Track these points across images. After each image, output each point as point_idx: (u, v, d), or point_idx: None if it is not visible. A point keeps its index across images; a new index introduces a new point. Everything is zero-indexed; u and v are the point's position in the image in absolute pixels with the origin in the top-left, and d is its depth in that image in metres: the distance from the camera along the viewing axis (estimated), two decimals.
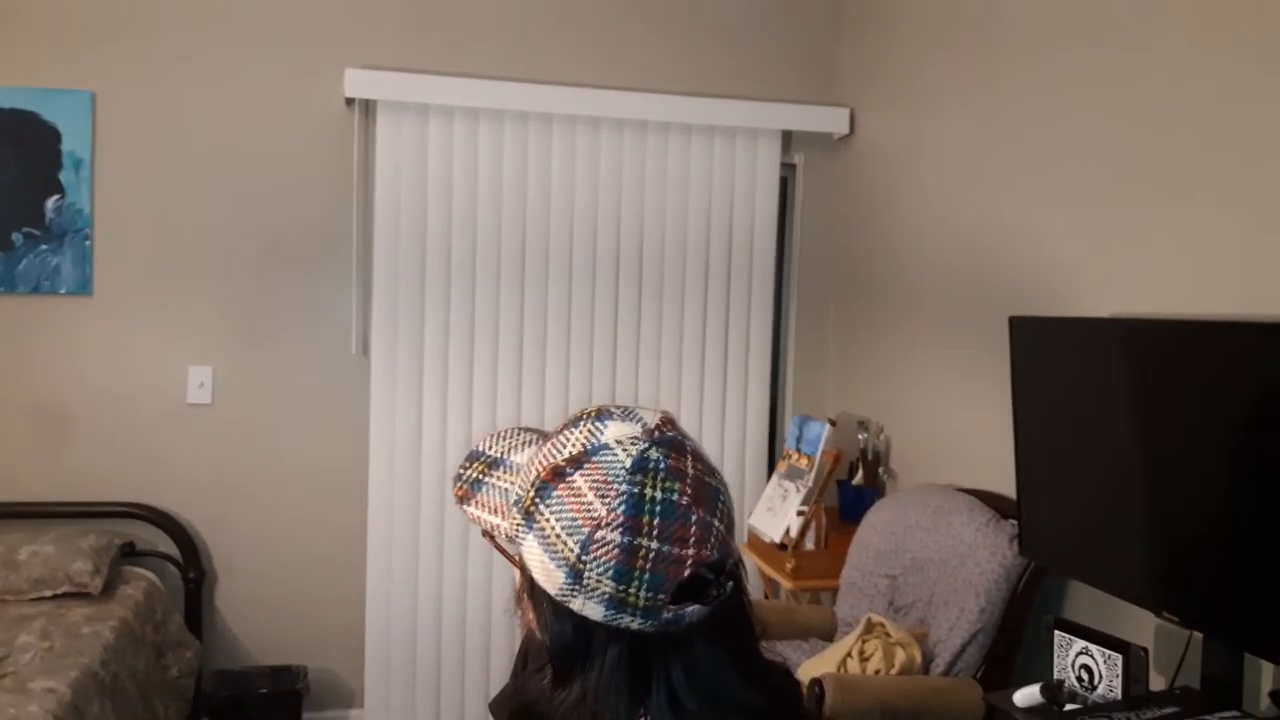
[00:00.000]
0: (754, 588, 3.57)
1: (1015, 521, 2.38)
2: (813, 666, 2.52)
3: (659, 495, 0.85)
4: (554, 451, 0.90)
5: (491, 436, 1.02)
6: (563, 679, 0.90)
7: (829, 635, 2.83)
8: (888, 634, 2.44)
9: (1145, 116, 2.21)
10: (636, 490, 0.85)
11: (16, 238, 3.01)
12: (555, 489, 0.87)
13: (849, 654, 2.45)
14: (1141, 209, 2.23)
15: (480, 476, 0.97)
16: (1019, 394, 2.25)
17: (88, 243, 3.07)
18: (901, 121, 3.27)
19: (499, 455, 0.98)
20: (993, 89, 2.78)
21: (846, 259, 3.61)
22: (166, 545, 3.17)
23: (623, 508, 0.84)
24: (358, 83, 3.16)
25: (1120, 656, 1.93)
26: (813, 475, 3.12)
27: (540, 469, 0.89)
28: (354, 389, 3.29)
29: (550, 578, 0.87)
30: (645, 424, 0.90)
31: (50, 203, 3.03)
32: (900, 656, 2.40)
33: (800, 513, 3.10)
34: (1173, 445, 1.84)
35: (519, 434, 1.02)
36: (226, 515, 3.25)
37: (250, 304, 3.23)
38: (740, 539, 3.54)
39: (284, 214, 3.24)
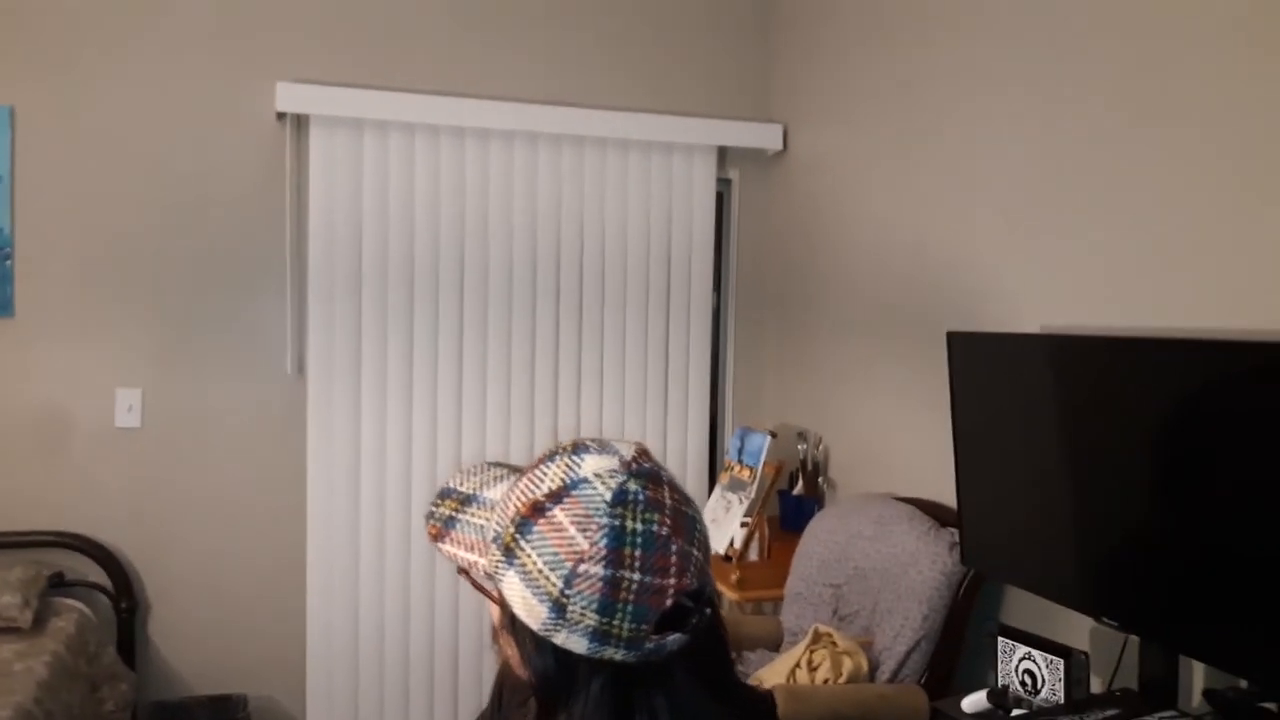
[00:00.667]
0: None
1: (954, 530, 2.45)
2: (762, 678, 2.55)
3: (639, 527, 0.87)
4: (532, 487, 0.90)
5: (462, 473, 1.02)
6: (547, 713, 0.92)
7: (775, 645, 2.87)
8: (835, 643, 2.48)
9: (1071, 132, 2.31)
10: (617, 523, 0.86)
11: None
12: (535, 524, 0.88)
13: (798, 664, 2.49)
14: (1067, 224, 2.32)
15: (453, 514, 0.98)
16: (957, 406, 2.32)
17: (8, 262, 2.96)
18: (833, 137, 3.35)
19: (471, 491, 0.99)
20: (921, 104, 2.86)
21: (783, 272, 3.67)
22: (97, 574, 3.06)
23: (604, 541, 0.86)
24: (289, 97, 3.10)
25: (1062, 661, 2.01)
26: (755, 487, 3.16)
27: (519, 505, 0.90)
28: (290, 409, 3.22)
29: (532, 613, 0.88)
30: (622, 456, 0.92)
31: None
32: (848, 665, 2.44)
33: (744, 524, 3.13)
34: (1102, 454, 1.92)
35: (489, 469, 1.03)
36: (159, 542, 3.15)
37: (180, 323, 3.15)
38: None
39: (214, 230, 3.16)
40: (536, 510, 0.88)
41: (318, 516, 3.20)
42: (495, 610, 0.96)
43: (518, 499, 0.91)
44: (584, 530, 0.86)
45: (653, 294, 3.55)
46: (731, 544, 3.14)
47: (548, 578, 0.86)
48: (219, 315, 3.18)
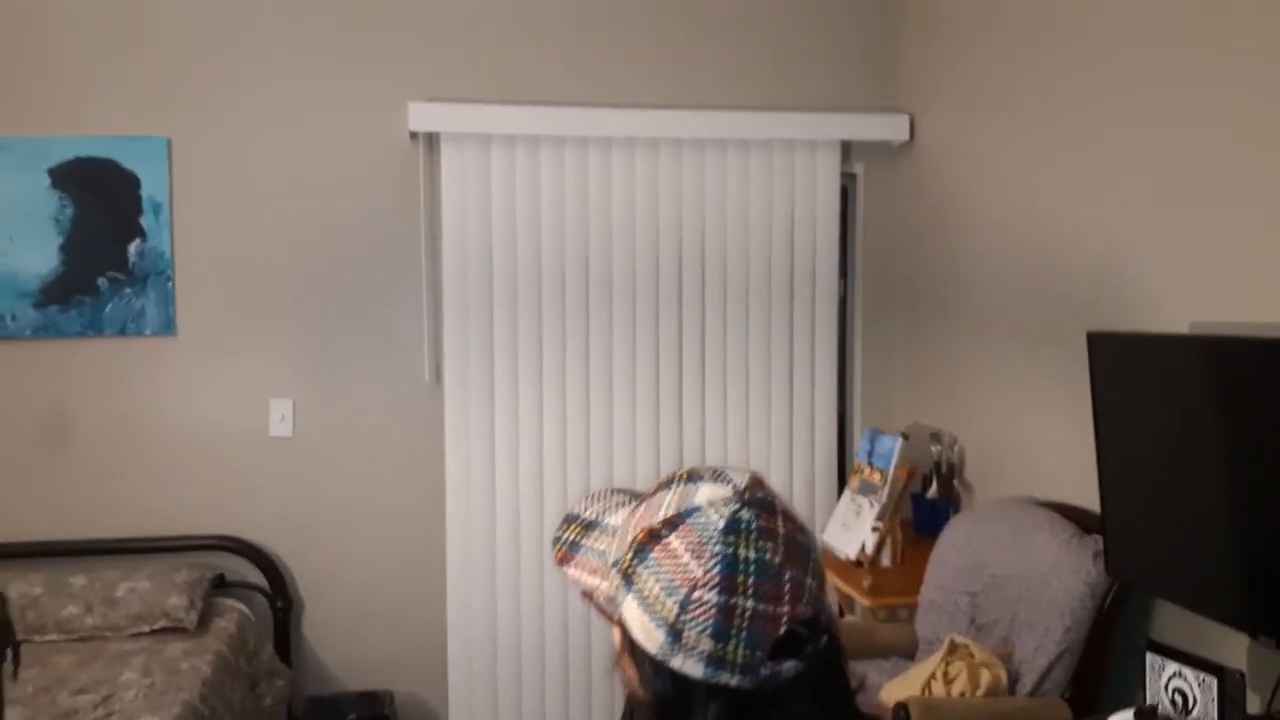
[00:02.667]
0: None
1: (1099, 538, 2.34)
2: (896, 689, 2.50)
3: (752, 555, 0.88)
4: (649, 515, 0.93)
5: (587, 498, 1.05)
6: None
7: (910, 654, 2.81)
8: (972, 655, 2.41)
9: (1225, 116, 2.16)
10: (730, 551, 0.87)
11: (102, 282, 3.12)
12: (652, 551, 0.90)
13: (933, 675, 2.43)
14: (1216, 216, 2.18)
15: (577, 539, 1.00)
16: (1100, 410, 2.21)
17: (169, 284, 3.18)
18: (963, 126, 3.23)
19: (594, 518, 1.01)
20: (1058, 90, 2.73)
21: (911, 268, 3.58)
22: (255, 576, 3.26)
23: (718, 568, 0.87)
24: (421, 116, 3.22)
25: (1215, 680, 1.89)
26: (886, 490, 3.10)
27: (637, 532, 0.92)
28: (429, 415, 3.35)
29: (650, 637, 0.89)
30: (736, 485, 0.93)
31: (133, 247, 3.13)
32: (986, 678, 2.37)
33: (875, 528, 3.08)
34: (1259, 461, 1.80)
35: (612, 495, 1.05)
36: (311, 544, 3.33)
37: (326, 336, 3.31)
38: None
39: (355, 247, 3.31)
40: (653, 537, 0.90)
41: (456, 517, 3.32)
42: (617, 633, 0.98)
43: (636, 526, 0.93)
44: (698, 557, 0.88)
45: (776, 294, 3.51)
46: (863, 549, 3.08)
47: (664, 603, 0.88)
48: (361, 327, 3.33)
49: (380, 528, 3.36)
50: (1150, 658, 2.03)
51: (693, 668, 0.88)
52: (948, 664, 2.43)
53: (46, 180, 3.06)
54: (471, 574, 3.33)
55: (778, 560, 0.88)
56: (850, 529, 3.21)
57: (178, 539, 3.18)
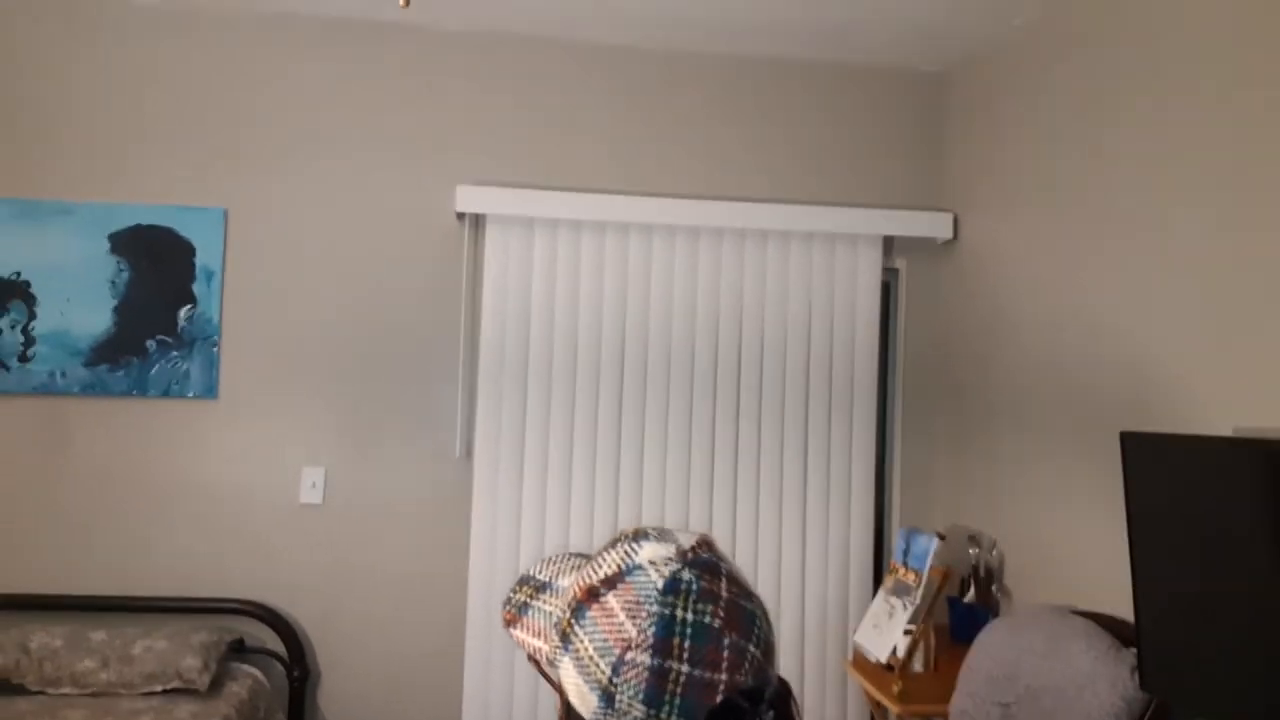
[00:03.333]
0: (859, 710, 3.41)
1: (1137, 650, 2.21)
2: None
3: (690, 617, 0.85)
4: (590, 573, 0.90)
5: (543, 561, 1.02)
6: None
7: None
8: None
9: (1273, 218, 2.11)
10: (668, 612, 0.84)
11: (150, 344, 3.21)
12: (589, 609, 0.87)
13: None
14: (1266, 314, 2.11)
15: (528, 600, 0.97)
16: (1134, 514, 2.12)
17: (215, 349, 3.26)
18: (1007, 224, 3.21)
19: (547, 579, 0.98)
20: (1102, 190, 2.71)
21: (953, 366, 3.52)
22: (274, 642, 3.25)
23: (653, 629, 0.84)
24: (468, 198, 3.30)
25: None
26: (920, 592, 2.99)
27: (577, 590, 0.90)
28: (457, 490, 3.35)
29: (585, 701, 0.86)
30: (680, 545, 0.90)
31: (183, 312, 3.23)
32: None
33: (907, 631, 2.96)
34: None
35: (569, 559, 1.02)
36: (332, 613, 3.31)
37: (362, 407, 3.35)
38: (845, 655, 3.41)
39: (396, 322, 3.37)
40: (591, 595, 0.88)
41: (478, 594, 3.28)
42: (558, 700, 0.94)
43: (576, 584, 0.90)
44: (634, 617, 0.85)
45: (814, 387, 3.48)
46: (894, 652, 2.96)
47: (597, 664, 0.85)
48: (397, 399, 3.36)
49: (403, 600, 3.33)
50: None
51: None
52: None
53: (107, 245, 3.20)
54: (491, 650, 3.27)
55: (717, 624, 0.84)
56: (882, 630, 3.09)
57: (202, 601, 3.18)
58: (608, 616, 0.86)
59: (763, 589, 3.43)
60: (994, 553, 3.18)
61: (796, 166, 3.57)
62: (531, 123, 3.46)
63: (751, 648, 0.86)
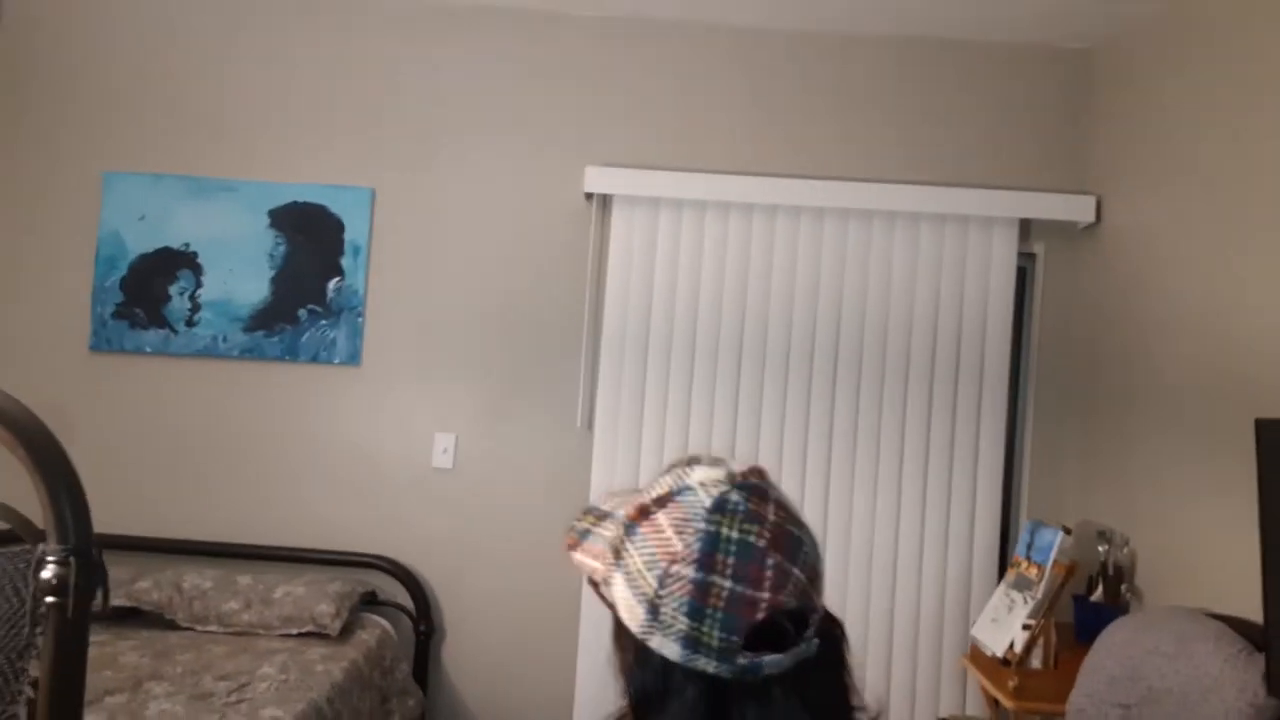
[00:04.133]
0: (978, 708, 3.31)
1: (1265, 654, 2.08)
2: None
3: (735, 535, 0.87)
4: (644, 494, 0.94)
5: (607, 494, 1.06)
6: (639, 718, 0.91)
7: None
8: None
9: None
10: (713, 529, 0.87)
11: (302, 313, 3.45)
12: (640, 526, 0.91)
13: None
14: None
15: (590, 527, 1.00)
16: (1267, 506, 1.99)
17: (360, 319, 3.47)
18: (1153, 209, 3.04)
19: (610, 510, 1.01)
20: (1255, 170, 2.54)
21: (1090, 355, 3.36)
22: (404, 598, 3.43)
23: (698, 544, 0.86)
24: (596, 179, 3.39)
25: None
26: (1042, 586, 2.89)
27: (630, 510, 0.93)
28: (577, 460, 3.45)
29: (633, 614, 0.89)
30: (731, 470, 0.93)
31: (332, 284, 3.46)
32: None
33: (1026, 626, 2.86)
34: None
35: (631, 492, 1.05)
36: (459, 573, 3.47)
37: (492, 378, 3.50)
38: (963, 649, 3.32)
39: (525, 297, 3.50)
40: (643, 514, 0.91)
41: None
42: (613, 621, 0.97)
43: (630, 504, 0.94)
44: (680, 533, 0.88)
45: (941, 372, 3.39)
46: (1011, 647, 2.87)
47: (645, 577, 0.88)
48: (525, 372, 3.50)
49: (524, 565, 3.46)
50: None
51: (670, 648, 0.87)
52: None
53: (266, 220, 3.45)
54: (603, 621, 3.35)
55: (762, 544, 0.87)
56: (1000, 624, 3.00)
57: (341, 554, 3.40)
58: (656, 532, 0.89)
59: (877, 580, 3.38)
60: (1125, 550, 3.03)
61: (929, 147, 3.49)
62: (659, 104, 3.51)
63: (796, 570, 0.88)
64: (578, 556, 0.99)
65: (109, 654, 2.73)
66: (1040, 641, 2.88)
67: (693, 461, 0.95)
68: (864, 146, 3.50)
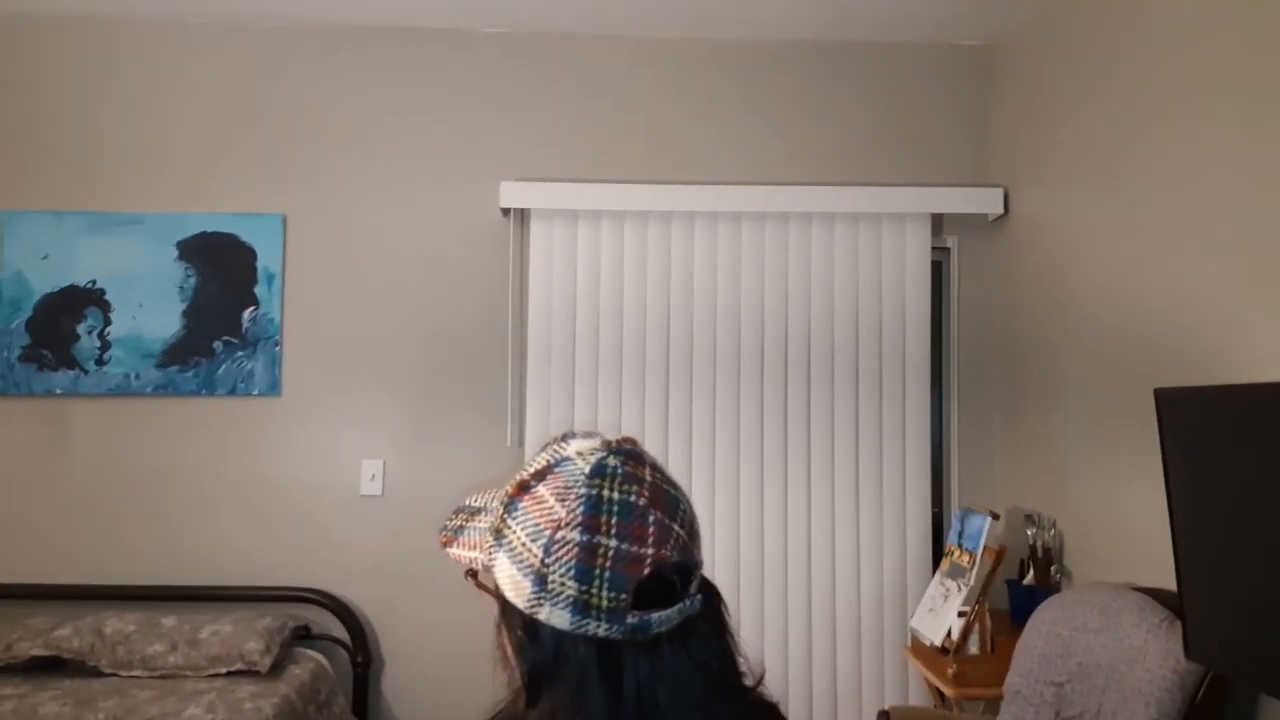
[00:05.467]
0: (922, 698, 3.34)
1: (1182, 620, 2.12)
2: None
3: (616, 496, 0.88)
4: (521, 471, 0.94)
5: (478, 492, 1.05)
6: (534, 696, 0.90)
7: None
8: None
9: None
10: (594, 492, 0.88)
11: (217, 345, 3.37)
12: (521, 501, 0.91)
13: None
14: None
15: (464, 524, 1.00)
16: (1171, 475, 2.03)
17: (277, 348, 3.40)
18: (1059, 198, 3.12)
19: (482, 505, 1.01)
20: (1156, 159, 2.61)
21: (1008, 343, 3.43)
22: (340, 631, 3.35)
23: (581, 508, 0.87)
24: (511, 194, 3.38)
25: None
26: (974, 573, 2.92)
27: (509, 488, 0.94)
28: (509, 479, 3.40)
29: (519, 589, 0.89)
30: (605, 439, 0.94)
31: (246, 314, 3.39)
32: None
33: (962, 613, 2.89)
34: None
35: (502, 487, 1.05)
36: (395, 603, 3.41)
37: (417, 401, 3.45)
38: (905, 642, 3.34)
39: (448, 317, 3.47)
40: (522, 489, 0.92)
41: None
42: (498, 607, 0.96)
43: (509, 485, 0.94)
44: (563, 500, 0.89)
45: (864, 370, 3.43)
46: (949, 635, 2.90)
47: (529, 549, 0.88)
48: (450, 393, 3.45)
49: (461, 588, 3.37)
50: None
51: (560, 617, 0.87)
52: None
53: (175, 252, 3.37)
54: None
55: (642, 503, 0.88)
56: (937, 613, 3.03)
57: (270, 589, 3.31)
58: (538, 503, 0.90)
59: (817, 578, 3.39)
60: (1052, 532, 3.08)
61: (841, 148, 3.54)
62: (572, 117, 3.52)
63: (676, 526, 0.89)
64: (454, 552, 0.99)
65: (29, 705, 2.62)
66: (976, 628, 2.91)
67: (567, 436, 0.96)
68: (777, 150, 3.53)
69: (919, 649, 3.10)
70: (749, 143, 3.53)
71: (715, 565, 3.34)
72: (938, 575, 3.13)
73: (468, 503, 1.04)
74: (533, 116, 3.51)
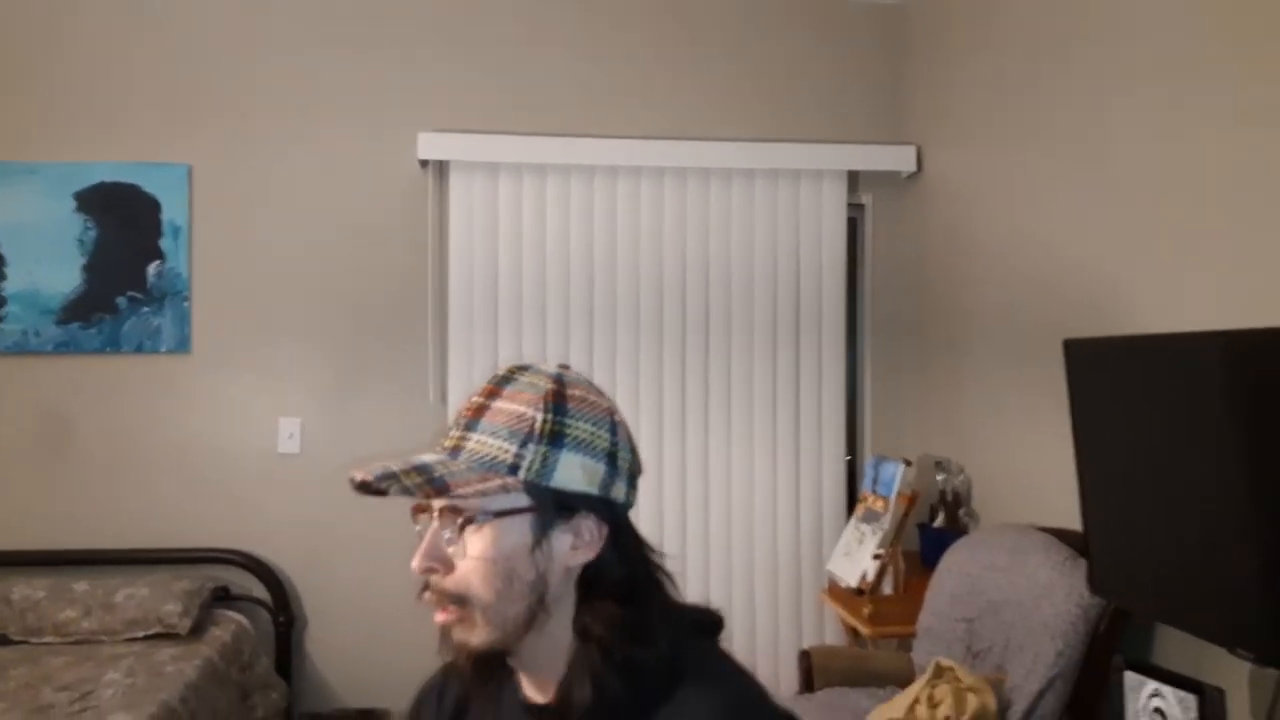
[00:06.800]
0: (838, 639, 3.47)
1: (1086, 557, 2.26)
2: (880, 714, 2.43)
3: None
4: (532, 392, 0.97)
5: (365, 470, 0.99)
6: (589, 591, 0.98)
7: (906, 682, 2.71)
8: (958, 679, 2.33)
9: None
10: (597, 391, 1.03)
11: (121, 301, 3.24)
12: (568, 405, 0.97)
13: (917, 700, 2.36)
14: (1229, 227, 2.13)
15: (450, 470, 0.95)
16: (1078, 422, 2.15)
17: (186, 304, 3.29)
18: (969, 156, 3.22)
19: (450, 448, 0.98)
20: (1061, 118, 2.72)
21: (919, 297, 3.54)
22: (260, 591, 3.30)
23: (605, 400, 1.01)
24: (430, 145, 3.31)
25: (1195, 698, 1.81)
26: (889, 517, 3.04)
27: (539, 403, 0.96)
28: (433, 435, 3.38)
29: (593, 476, 0.96)
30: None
31: (151, 268, 3.26)
32: (972, 703, 2.28)
33: (876, 556, 3.01)
34: (1242, 467, 1.72)
35: (403, 456, 1.00)
36: (316, 561, 3.36)
37: (336, 357, 3.39)
38: (820, 585, 3.46)
39: (365, 271, 3.40)
40: (558, 396, 0.97)
41: None
42: (500, 542, 0.94)
43: (530, 403, 0.96)
44: (598, 394, 1.01)
45: (782, 322, 3.50)
46: (864, 577, 3.02)
47: (600, 435, 0.98)
48: (369, 348, 3.40)
49: (384, 546, 3.37)
50: (1128, 676, 1.95)
51: (621, 490, 0.99)
52: (933, 688, 2.35)
53: (72, 204, 3.22)
54: None
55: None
56: (853, 557, 3.15)
57: (186, 550, 3.24)
58: (582, 401, 0.99)
59: (736, 526, 3.48)
60: (961, 478, 3.22)
61: (759, 104, 3.57)
62: (492, 67, 3.46)
63: None
64: (461, 494, 0.94)
65: None
66: (890, 569, 3.03)
67: (522, 366, 1.02)
68: (699, 105, 3.54)
69: (835, 591, 3.22)
70: (671, 97, 3.53)
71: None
72: (853, 520, 3.25)
73: (392, 469, 0.97)
74: (452, 66, 3.44)
